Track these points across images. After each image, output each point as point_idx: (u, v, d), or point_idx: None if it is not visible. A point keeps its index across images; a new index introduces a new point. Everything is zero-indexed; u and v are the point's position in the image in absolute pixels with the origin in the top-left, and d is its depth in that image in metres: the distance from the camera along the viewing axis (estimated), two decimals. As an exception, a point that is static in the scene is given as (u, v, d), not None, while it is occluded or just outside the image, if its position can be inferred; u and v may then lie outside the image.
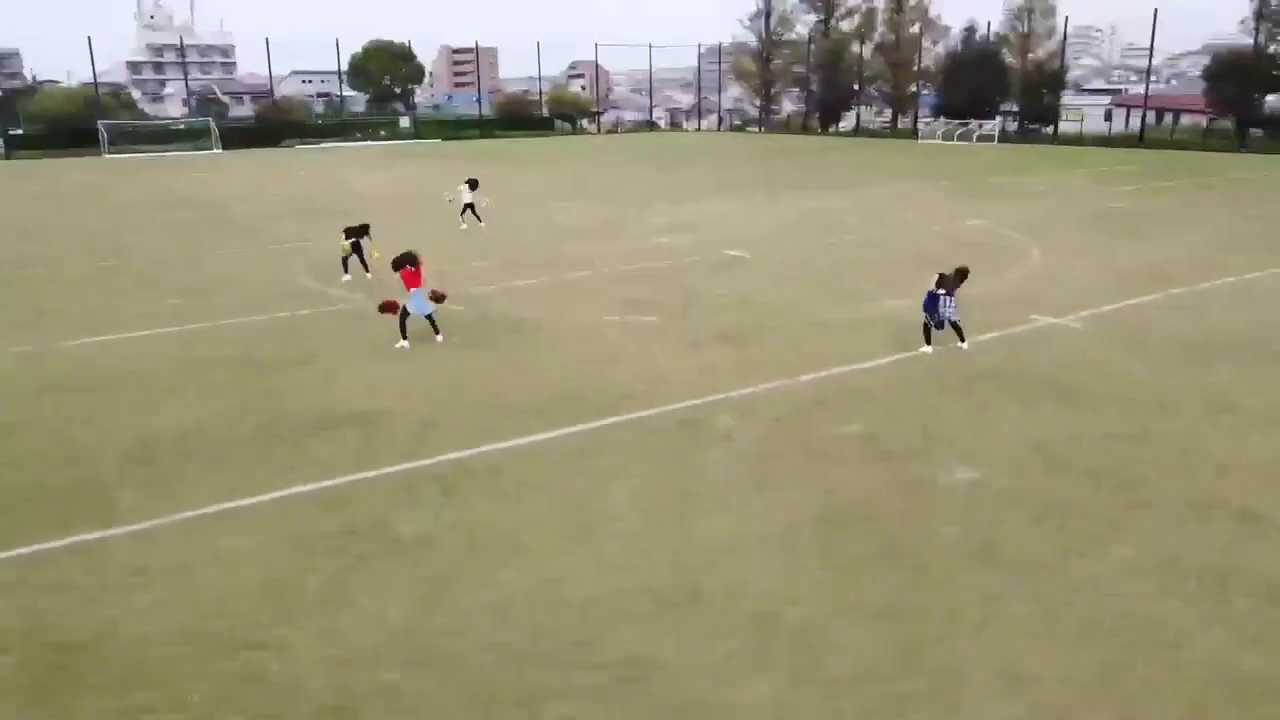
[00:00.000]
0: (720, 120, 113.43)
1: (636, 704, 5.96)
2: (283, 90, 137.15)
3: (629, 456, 9.91)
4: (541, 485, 9.23)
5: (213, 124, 70.32)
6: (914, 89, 77.40)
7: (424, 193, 35.98)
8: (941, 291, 13.28)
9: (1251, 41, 55.17)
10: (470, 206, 26.62)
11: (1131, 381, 12.20)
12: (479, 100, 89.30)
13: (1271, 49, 54.43)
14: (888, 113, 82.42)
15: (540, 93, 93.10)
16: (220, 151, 66.03)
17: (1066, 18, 63.19)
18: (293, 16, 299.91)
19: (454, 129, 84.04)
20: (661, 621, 6.86)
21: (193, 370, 13.23)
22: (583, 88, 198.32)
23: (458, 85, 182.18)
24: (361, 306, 16.83)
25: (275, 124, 74.45)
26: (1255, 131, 55.42)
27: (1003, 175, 40.93)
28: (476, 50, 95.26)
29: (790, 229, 25.79)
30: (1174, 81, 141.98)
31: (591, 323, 15.65)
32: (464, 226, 26.12)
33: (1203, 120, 63.62)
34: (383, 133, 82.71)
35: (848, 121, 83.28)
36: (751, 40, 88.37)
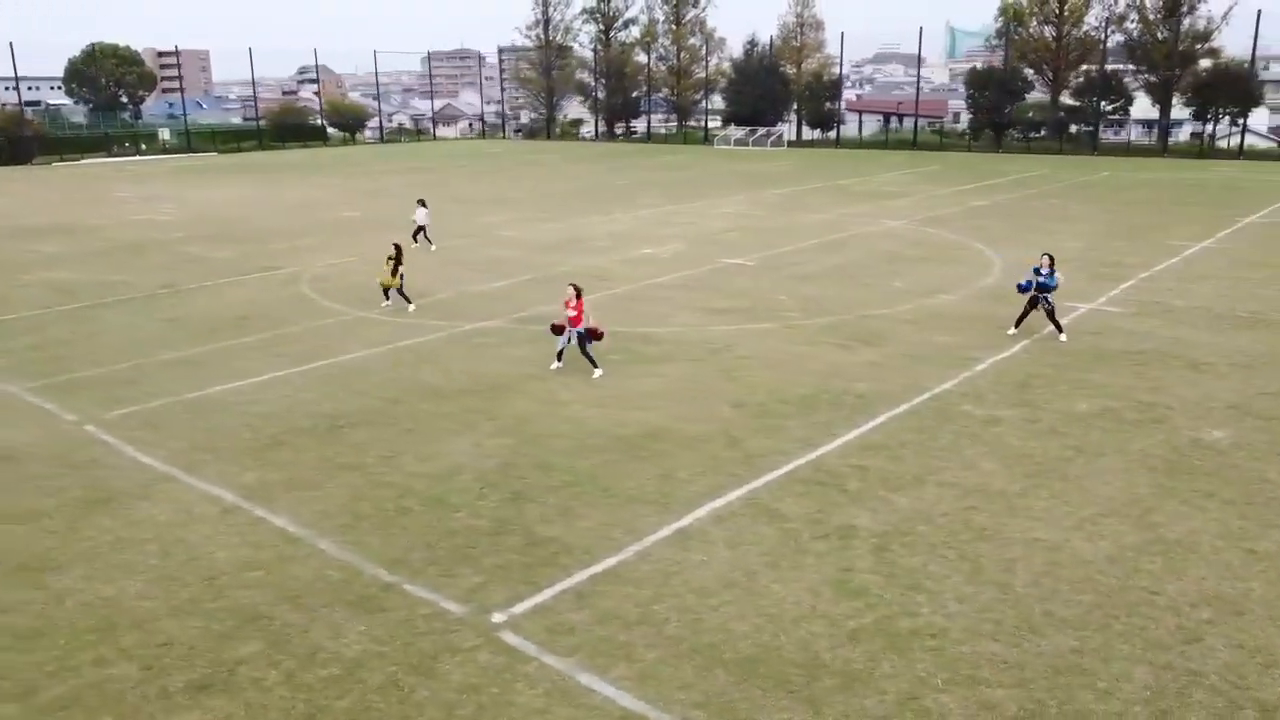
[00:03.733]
0: (470, 126, 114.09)
1: (1264, 632, 7.45)
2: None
3: (949, 444, 11.23)
4: (921, 477, 10.37)
5: (-48, 139, 61.43)
6: (698, 97, 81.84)
7: (312, 211, 34.39)
8: (1043, 275, 15.49)
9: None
10: (422, 229, 26.10)
11: (1217, 348, 15.06)
12: (192, 105, 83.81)
13: (1018, 64, 63.32)
14: (673, 119, 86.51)
15: (319, 100, 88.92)
16: (-33, 171, 57.90)
17: (842, 33, 69.77)
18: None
19: (227, 140, 78.48)
20: (1186, 570, 8.36)
21: (400, 407, 12.89)
22: (315, 93, 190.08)
23: (163, 90, 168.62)
24: (458, 330, 16.77)
25: (23, 139, 66.07)
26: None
27: (845, 178, 45.05)
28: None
29: (746, 235, 27.53)
30: (868, 87, 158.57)
31: (713, 333, 16.58)
32: (431, 247, 25.64)
33: (925, 123, 72.90)
34: (143, 145, 75.94)
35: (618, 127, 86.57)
36: (531, 49, 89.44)
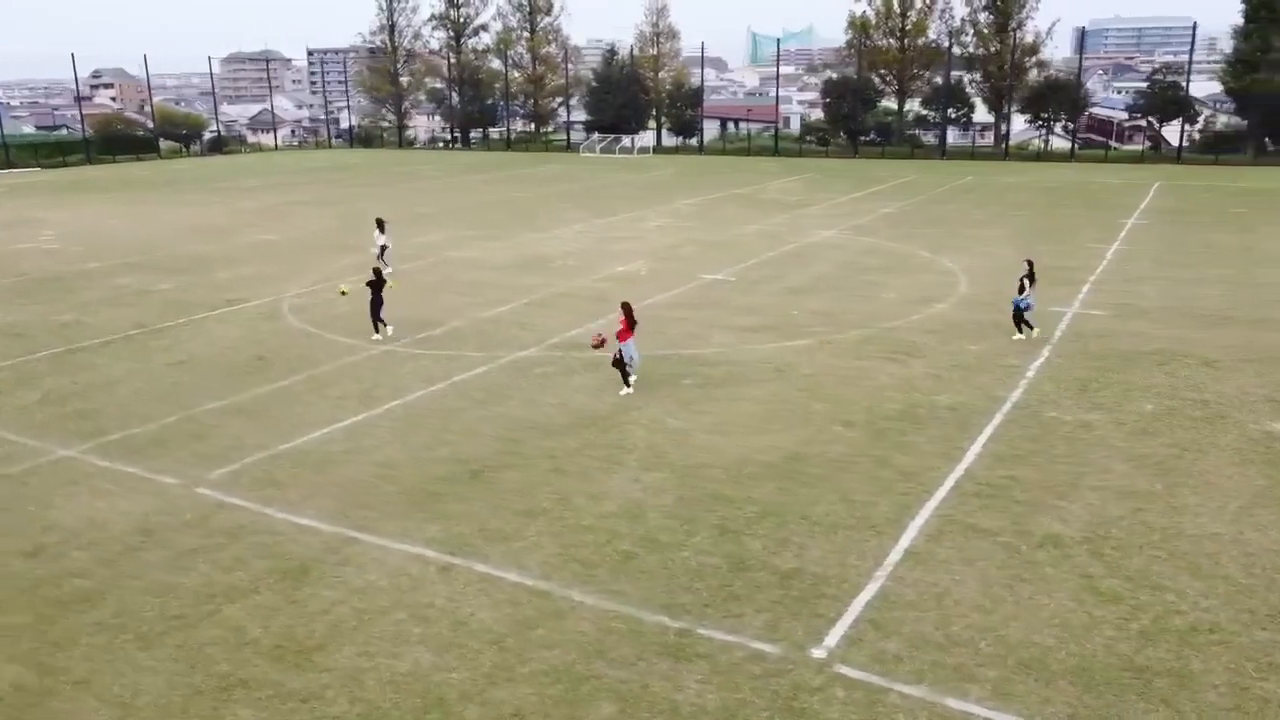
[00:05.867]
0: (292, 133, 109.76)
1: None
2: None
3: (1069, 451, 12.27)
4: (1071, 483, 11.32)
5: None
6: (556, 104, 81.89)
7: (222, 235, 32.44)
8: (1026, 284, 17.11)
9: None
10: (383, 249, 25.27)
11: (1210, 345, 16.95)
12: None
13: (870, 75, 67.18)
14: (526, 126, 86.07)
15: (151, 110, 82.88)
16: None
17: (703, 43, 71.67)
18: None
19: (50, 153, 71.93)
20: (1358, 548, 9.68)
21: (525, 446, 12.75)
22: (113, 99, 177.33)
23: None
24: (503, 361, 16.61)
25: None
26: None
27: (737, 187, 46.49)
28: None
29: (702, 250, 28.14)
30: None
31: (760, 352, 17.13)
32: (387, 269, 24.79)
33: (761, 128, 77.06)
34: (-52, 161, 68.63)
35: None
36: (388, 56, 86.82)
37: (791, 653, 8.03)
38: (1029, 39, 63.74)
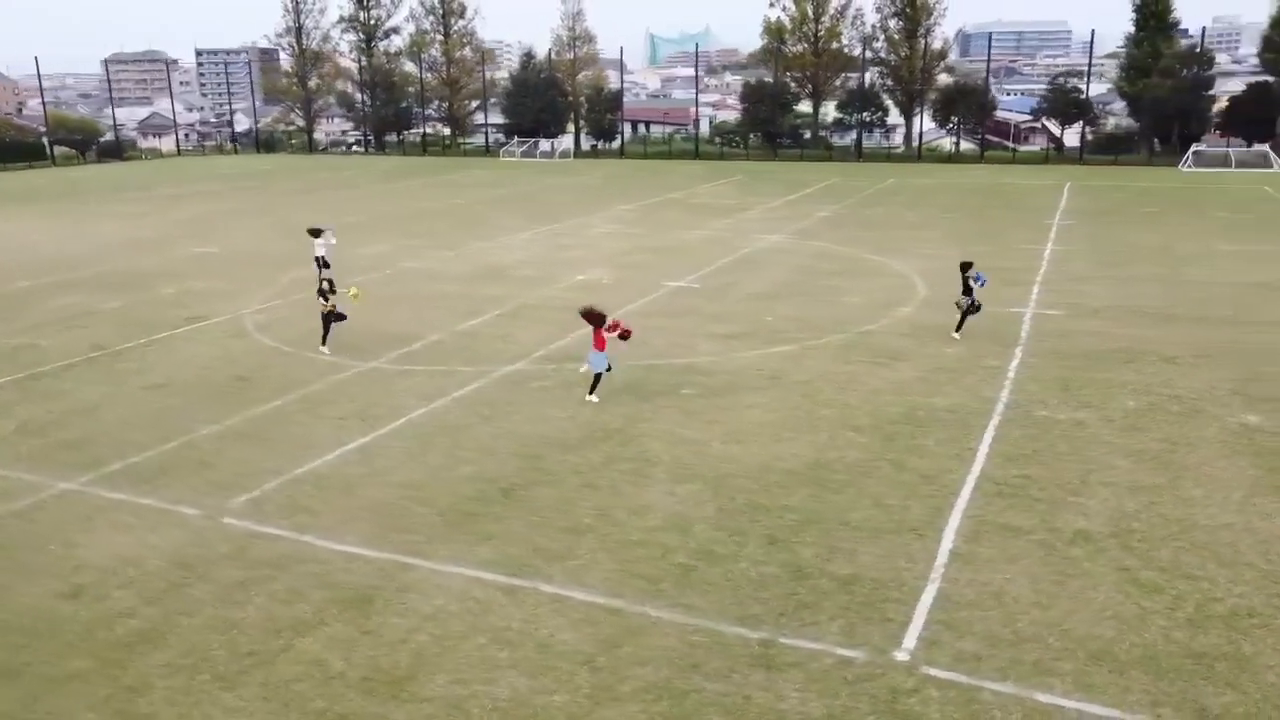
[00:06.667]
0: (187, 137, 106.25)
1: None
2: None
3: (1072, 449, 12.95)
4: (1083, 479, 11.96)
5: None
6: (473, 108, 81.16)
7: (156, 247, 31.27)
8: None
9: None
10: (320, 260, 24.69)
11: (1167, 342, 18.02)
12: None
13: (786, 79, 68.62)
14: (440, 129, 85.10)
15: (44, 113, 78.77)
16: None
17: (621, 48, 72.09)
18: None
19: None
20: (1354, 531, 10.52)
21: (547, 462, 12.79)
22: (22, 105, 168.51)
23: None
24: (495, 375, 16.58)
25: None
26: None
27: (669, 191, 46.98)
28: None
29: (655, 256, 28.41)
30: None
31: (748, 359, 17.47)
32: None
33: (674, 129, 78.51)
34: None
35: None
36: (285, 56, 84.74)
37: (876, 657, 8.33)
38: (937, 45, 66.17)
